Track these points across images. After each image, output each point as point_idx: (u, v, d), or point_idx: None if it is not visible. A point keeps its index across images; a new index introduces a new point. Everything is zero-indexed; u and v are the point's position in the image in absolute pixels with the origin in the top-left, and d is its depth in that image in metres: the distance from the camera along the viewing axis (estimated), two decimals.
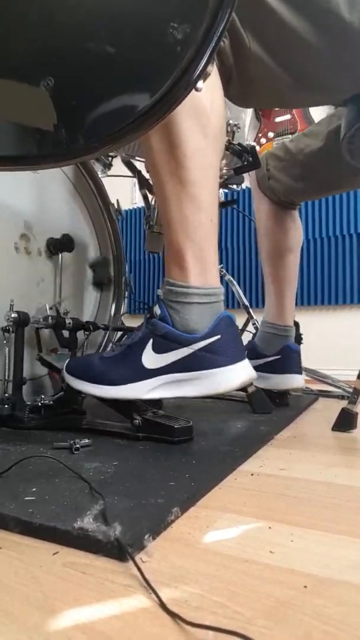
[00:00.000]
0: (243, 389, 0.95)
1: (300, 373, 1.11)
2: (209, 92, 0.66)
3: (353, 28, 0.69)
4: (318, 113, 2.23)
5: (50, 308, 0.90)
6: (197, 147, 0.66)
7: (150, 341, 0.66)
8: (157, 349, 0.65)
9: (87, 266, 1.14)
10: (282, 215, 1.16)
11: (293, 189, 1.11)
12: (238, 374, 0.64)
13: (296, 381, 1.09)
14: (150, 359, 0.65)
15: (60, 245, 1.01)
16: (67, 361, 0.74)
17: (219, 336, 0.64)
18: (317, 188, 1.15)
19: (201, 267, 0.67)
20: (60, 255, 1.02)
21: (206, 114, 0.66)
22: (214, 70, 0.69)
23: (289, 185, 1.11)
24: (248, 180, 1.27)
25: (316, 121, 1.17)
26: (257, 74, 0.74)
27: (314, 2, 0.68)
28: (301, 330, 1.19)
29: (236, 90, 0.78)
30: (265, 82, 0.76)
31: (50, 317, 0.87)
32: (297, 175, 1.10)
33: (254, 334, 1.23)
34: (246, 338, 1.61)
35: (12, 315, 0.79)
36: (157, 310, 0.67)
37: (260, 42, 0.71)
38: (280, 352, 1.10)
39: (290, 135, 2.33)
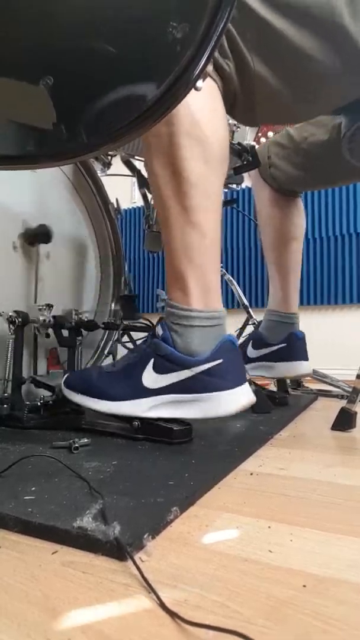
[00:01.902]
0: None
1: (307, 359, 1.10)
2: (211, 119, 0.67)
3: (355, 36, 0.68)
4: None
5: (49, 308, 0.89)
6: (200, 174, 0.66)
7: (152, 361, 0.66)
8: (158, 369, 0.65)
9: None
10: (285, 203, 1.15)
11: (294, 178, 1.11)
12: (237, 399, 0.64)
13: (303, 368, 1.09)
14: (150, 378, 0.65)
15: (36, 236, 0.96)
16: (65, 376, 0.75)
17: (220, 360, 0.64)
18: (319, 178, 1.14)
19: (203, 291, 0.67)
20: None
21: (209, 142, 0.66)
22: (217, 96, 0.69)
23: (291, 174, 1.10)
24: (248, 180, 1.27)
25: None
26: (262, 95, 0.74)
27: (317, 17, 0.67)
28: (299, 320, 1.19)
29: (241, 112, 0.78)
30: (271, 102, 0.76)
31: (49, 316, 0.87)
32: (299, 163, 1.09)
33: (258, 324, 1.23)
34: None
35: (11, 315, 0.79)
36: (159, 330, 0.67)
37: (265, 61, 0.71)
38: (285, 340, 1.10)
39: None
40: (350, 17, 0.67)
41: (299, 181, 1.12)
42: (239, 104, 0.76)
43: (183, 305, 0.66)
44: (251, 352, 1.15)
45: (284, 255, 1.16)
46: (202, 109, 0.66)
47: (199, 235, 0.66)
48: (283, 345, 1.10)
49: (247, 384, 0.67)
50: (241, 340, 1.39)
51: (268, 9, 0.67)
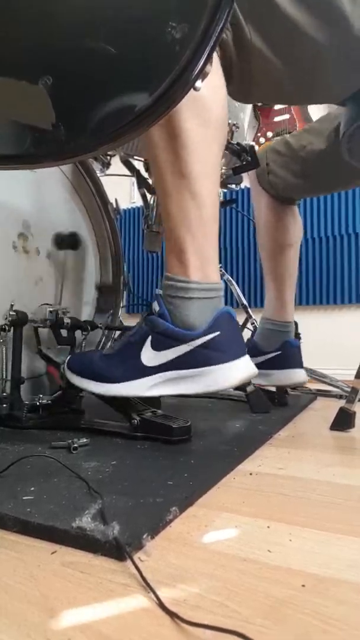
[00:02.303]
0: (242, 388, 0.96)
1: (302, 368, 1.10)
2: (210, 83, 0.65)
3: (353, 22, 0.69)
4: (317, 112, 2.23)
5: (50, 311, 0.89)
6: (199, 139, 0.65)
7: (149, 338, 0.65)
8: (156, 346, 0.64)
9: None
10: (282, 211, 1.15)
11: (292, 185, 1.11)
12: (238, 371, 0.64)
13: (298, 376, 1.09)
14: (149, 356, 0.65)
15: (66, 241, 1.00)
16: (68, 357, 0.74)
17: (218, 332, 0.63)
18: (317, 186, 1.15)
19: (201, 262, 0.67)
20: (61, 254, 1.02)
21: (208, 105, 0.65)
22: (216, 62, 0.68)
23: (289, 181, 1.10)
24: (247, 180, 1.27)
25: (312, 118, 1.17)
26: (258, 68, 0.74)
27: None
28: (299, 330, 1.19)
29: (237, 86, 0.78)
30: (266, 77, 0.76)
31: (48, 316, 0.87)
32: (298, 171, 1.09)
33: (253, 332, 1.23)
34: (245, 337, 1.61)
35: (10, 314, 0.79)
36: (155, 306, 0.66)
37: (262, 35, 0.71)
38: (280, 348, 1.10)
39: (289, 134, 2.33)
40: (349, 2, 0.68)
41: (297, 189, 1.12)
42: (236, 74, 0.75)
43: (181, 276, 0.66)
44: None
45: (280, 263, 1.16)
46: None
47: (197, 204, 0.66)
48: (278, 353, 1.10)
49: (247, 356, 0.66)
50: None
51: None
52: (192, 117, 0.64)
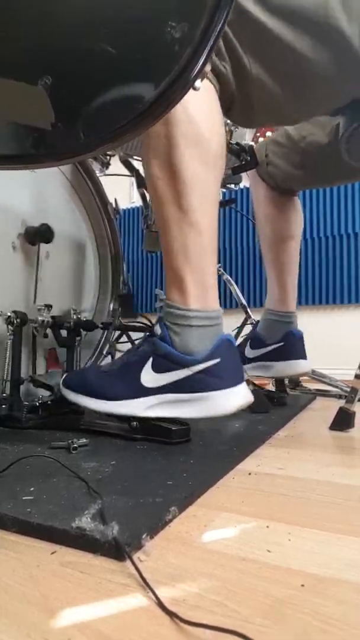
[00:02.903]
0: None
1: (305, 358, 1.10)
2: (208, 119, 0.67)
3: (352, 40, 0.69)
4: None
5: (49, 309, 0.89)
6: (198, 175, 0.66)
7: (150, 360, 0.66)
8: (157, 369, 0.65)
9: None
10: (282, 201, 1.14)
11: (292, 176, 1.10)
12: (236, 398, 0.64)
13: (301, 366, 1.09)
14: (149, 377, 0.65)
15: (37, 235, 0.96)
16: (64, 376, 0.75)
17: (218, 359, 0.64)
18: (317, 177, 1.14)
19: (201, 291, 0.67)
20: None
21: (206, 142, 0.66)
22: (214, 98, 0.69)
23: (289, 172, 1.10)
24: (246, 180, 1.27)
25: None
26: (258, 95, 0.75)
27: (312, 18, 0.68)
28: (296, 319, 1.19)
29: (237, 113, 0.79)
30: (267, 102, 0.76)
31: (48, 316, 0.87)
32: (298, 162, 1.09)
33: (255, 324, 1.23)
34: (244, 337, 1.61)
35: (10, 315, 0.79)
36: (157, 329, 0.67)
37: (261, 63, 0.71)
38: (283, 339, 1.10)
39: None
40: (345, 18, 0.68)
41: (296, 179, 1.12)
42: (237, 105, 0.76)
43: (181, 305, 0.67)
44: (249, 352, 1.15)
45: (281, 254, 1.15)
46: (200, 110, 0.66)
47: (197, 235, 0.67)
48: (281, 344, 1.10)
49: (244, 383, 0.67)
50: (239, 340, 1.39)
51: (263, 10, 0.68)
52: (190, 157, 0.65)
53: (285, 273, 1.16)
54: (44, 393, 0.86)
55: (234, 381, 0.65)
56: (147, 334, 0.70)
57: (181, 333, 0.65)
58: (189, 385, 0.64)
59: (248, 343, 1.16)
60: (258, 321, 1.21)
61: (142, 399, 0.65)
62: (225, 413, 0.63)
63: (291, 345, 1.09)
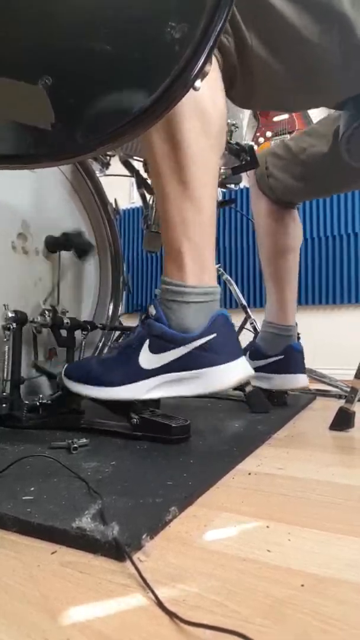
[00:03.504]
0: (240, 388, 0.96)
1: (304, 373, 1.10)
2: (210, 92, 0.66)
3: (355, 26, 0.69)
4: (316, 113, 2.23)
5: (49, 310, 0.89)
6: (199, 148, 0.66)
7: (147, 342, 0.66)
8: (154, 349, 0.65)
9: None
10: (282, 214, 1.15)
11: (293, 188, 1.11)
12: (235, 371, 0.64)
13: (300, 381, 1.09)
14: (147, 359, 0.65)
15: (58, 243, 1.00)
16: (65, 366, 0.75)
17: (214, 334, 0.64)
18: (318, 189, 1.14)
19: (199, 267, 0.67)
20: (58, 254, 1.02)
21: (208, 114, 0.66)
22: (216, 71, 0.68)
23: (289, 184, 1.10)
24: (246, 180, 1.27)
25: (314, 121, 1.17)
26: (259, 74, 0.74)
27: (317, 1, 0.67)
28: (299, 330, 1.19)
29: (239, 91, 0.78)
30: (267, 82, 0.76)
31: (48, 316, 0.87)
32: (298, 174, 1.09)
33: (255, 335, 1.23)
34: (244, 337, 1.61)
35: (10, 315, 0.79)
36: (152, 310, 0.67)
37: (262, 40, 0.71)
38: (283, 352, 1.10)
39: (288, 135, 2.34)
40: (349, 4, 0.68)
41: (296, 192, 1.12)
42: (238, 81, 0.76)
43: (178, 280, 0.67)
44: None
45: (281, 267, 1.16)
46: (202, 83, 0.66)
47: (196, 210, 0.66)
48: (280, 357, 1.10)
49: (243, 357, 0.67)
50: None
51: None
52: (193, 128, 0.65)
53: (285, 286, 1.16)
54: (44, 392, 0.86)
55: (232, 355, 0.65)
56: (143, 316, 0.70)
57: (177, 310, 0.65)
58: (187, 362, 0.64)
59: (247, 354, 1.15)
60: (257, 333, 1.21)
61: (142, 382, 0.65)
62: (225, 387, 0.64)
63: (291, 359, 1.09)
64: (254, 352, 1.14)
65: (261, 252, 1.20)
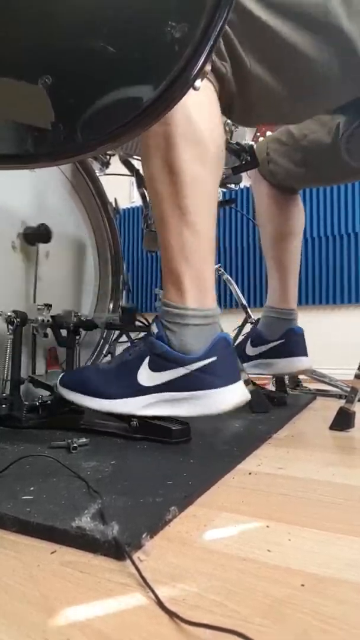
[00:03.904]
0: None
1: (306, 355, 1.10)
2: (207, 120, 0.67)
3: (352, 38, 0.69)
4: None
5: (48, 308, 0.89)
6: (196, 175, 0.66)
7: (147, 359, 0.66)
8: (153, 367, 0.65)
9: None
10: (284, 199, 1.14)
11: (293, 174, 1.10)
12: (232, 396, 0.64)
13: (302, 363, 1.08)
14: (145, 376, 0.65)
15: (36, 235, 0.97)
16: (61, 375, 0.75)
17: (215, 358, 0.64)
18: (318, 176, 1.14)
19: (198, 290, 0.67)
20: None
21: (205, 143, 0.66)
22: (213, 97, 0.69)
23: (290, 170, 1.10)
24: (246, 180, 1.27)
25: None
26: (257, 96, 0.75)
27: (312, 15, 0.68)
28: (297, 316, 1.18)
29: (238, 114, 0.79)
30: (266, 100, 0.76)
31: (48, 315, 0.87)
32: (299, 160, 1.08)
33: (256, 321, 1.22)
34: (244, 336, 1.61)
35: (10, 315, 0.79)
36: (154, 328, 0.67)
37: (261, 62, 0.71)
38: (283, 336, 1.09)
39: None
40: (344, 16, 0.68)
41: (297, 178, 1.12)
42: (236, 105, 0.76)
43: (178, 303, 0.67)
44: (250, 349, 1.14)
45: (283, 251, 1.15)
46: (199, 110, 0.66)
47: (194, 234, 0.67)
48: (281, 341, 1.09)
49: (241, 381, 0.67)
50: (240, 338, 1.39)
51: (263, 8, 0.68)
52: (188, 156, 0.66)
53: (287, 270, 1.15)
54: (44, 393, 0.86)
55: (230, 379, 0.65)
56: (145, 333, 0.70)
57: (178, 332, 0.65)
58: (185, 383, 0.64)
59: (249, 341, 1.15)
60: (259, 319, 1.21)
61: (139, 398, 0.65)
62: (221, 411, 0.63)
63: (292, 343, 1.09)
64: (255, 338, 1.14)
65: (263, 236, 1.19)
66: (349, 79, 0.75)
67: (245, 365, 1.11)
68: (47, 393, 0.83)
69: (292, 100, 0.77)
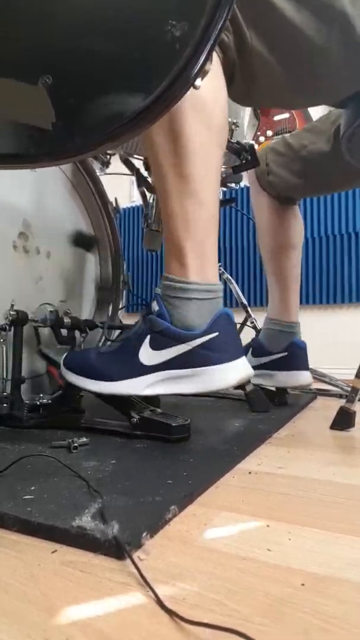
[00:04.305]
0: (241, 387, 0.95)
1: (307, 370, 1.10)
2: (212, 86, 0.66)
3: (354, 23, 0.68)
4: (317, 112, 2.23)
5: (51, 311, 0.89)
6: (201, 141, 0.65)
7: (148, 337, 0.65)
8: (155, 346, 0.65)
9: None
10: (283, 211, 1.15)
11: (292, 185, 1.11)
12: (235, 372, 0.64)
13: (304, 378, 1.08)
14: (147, 355, 0.65)
15: (82, 241, 1.01)
16: (64, 355, 0.74)
17: (217, 333, 0.63)
18: (318, 186, 1.14)
19: (201, 263, 0.67)
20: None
21: (209, 107, 0.65)
22: (217, 65, 0.68)
23: (289, 181, 1.10)
24: (246, 179, 1.27)
25: (312, 118, 1.16)
26: (258, 71, 0.74)
27: None
28: (300, 329, 1.19)
29: (238, 88, 0.78)
30: (266, 80, 0.76)
31: (49, 315, 0.87)
32: (298, 171, 1.09)
33: (257, 331, 1.22)
34: (244, 336, 1.61)
35: (11, 314, 0.79)
36: (154, 306, 0.67)
37: (262, 38, 0.71)
38: (286, 349, 1.09)
39: (289, 134, 2.33)
40: (350, 2, 0.68)
41: (297, 188, 1.12)
42: (237, 78, 0.75)
43: (180, 277, 0.66)
44: (251, 359, 1.14)
45: (283, 264, 1.15)
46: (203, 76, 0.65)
47: (198, 205, 0.66)
48: (284, 354, 1.09)
49: (244, 357, 0.66)
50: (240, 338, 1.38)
51: None
52: (194, 121, 0.64)
53: (288, 284, 1.15)
54: (45, 392, 0.86)
55: (233, 355, 0.64)
56: (144, 312, 0.69)
57: (180, 307, 0.65)
58: (187, 360, 0.63)
59: (250, 351, 1.15)
60: (260, 330, 1.20)
61: (141, 378, 0.65)
62: (225, 387, 0.63)
63: (295, 356, 1.09)
64: (256, 349, 1.14)
65: (262, 249, 1.19)
66: (349, 66, 0.74)
67: None
68: (47, 392, 0.84)
69: (292, 82, 0.76)
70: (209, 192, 0.67)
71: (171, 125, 0.64)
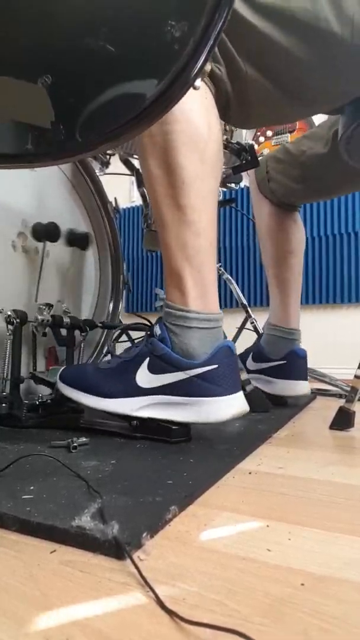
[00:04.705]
0: (241, 387, 0.95)
1: (306, 379, 1.10)
2: (205, 119, 0.67)
3: (344, 41, 0.69)
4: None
5: (49, 308, 0.89)
6: (195, 174, 0.66)
7: (147, 360, 0.66)
8: (153, 369, 0.65)
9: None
10: (283, 217, 1.15)
11: (292, 191, 1.11)
12: (230, 407, 0.64)
13: (301, 388, 1.08)
14: (144, 377, 0.65)
15: (45, 232, 0.98)
16: (61, 369, 0.75)
17: (216, 366, 0.63)
18: (318, 190, 1.15)
19: (200, 292, 0.67)
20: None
21: (204, 141, 0.66)
22: (209, 96, 0.69)
23: (289, 187, 1.11)
24: (246, 179, 1.27)
25: (314, 120, 1.17)
26: (254, 97, 0.75)
27: (303, 21, 0.68)
28: (300, 336, 1.19)
29: (235, 115, 0.79)
30: (263, 103, 0.77)
31: (48, 315, 0.87)
32: (297, 176, 1.09)
33: (259, 336, 1.22)
34: (245, 336, 1.61)
35: (10, 314, 0.79)
36: (157, 330, 0.67)
37: (256, 66, 0.71)
38: (286, 357, 1.09)
39: (288, 134, 2.33)
40: (335, 20, 0.68)
41: (297, 194, 1.12)
42: (233, 107, 0.76)
43: (181, 305, 0.66)
44: (251, 364, 1.14)
45: (284, 270, 1.15)
46: (197, 109, 0.66)
47: (195, 234, 0.66)
48: (283, 362, 1.09)
49: (241, 392, 0.66)
50: (239, 339, 1.38)
51: (255, 14, 0.68)
52: (189, 154, 0.65)
53: (289, 290, 1.15)
54: (44, 392, 0.86)
55: (230, 389, 0.64)
56: (147, 333, 0.70)
57: (180, 334, 0.65)
58: (183, 388, 0.63)
59: (251, 355, 1.15)
60: (261, 334, 1.20)
61: (135, 399, 0.65)
62: (218, 421, 0.63)
63: (294, 365, 1.09)
64: (257, 354, 1.14)
65: (264, 255, 1.19)
66: (344, 82, 0.75)
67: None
68: (47, 391, 0.84)
69: (288, 100, 0.77)
70: (206, 221, 0.68)
71: (166, 160, 0.65)
